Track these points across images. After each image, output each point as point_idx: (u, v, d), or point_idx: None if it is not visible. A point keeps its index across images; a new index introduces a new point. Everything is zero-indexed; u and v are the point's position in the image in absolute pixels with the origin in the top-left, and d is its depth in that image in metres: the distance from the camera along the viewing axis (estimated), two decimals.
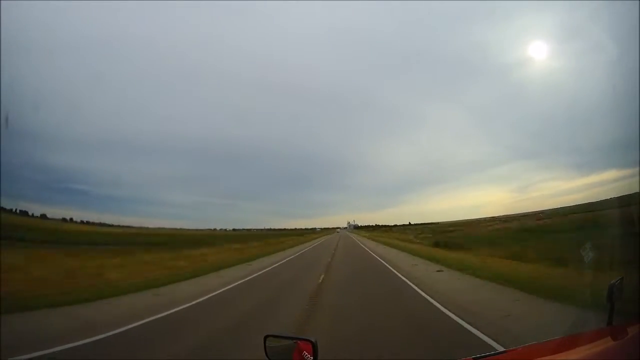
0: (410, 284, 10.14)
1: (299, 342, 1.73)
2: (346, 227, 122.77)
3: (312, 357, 1.61)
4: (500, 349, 4.28)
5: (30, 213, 36.26)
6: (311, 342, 1.64)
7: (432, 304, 7.45)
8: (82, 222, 41.93)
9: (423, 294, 8.52)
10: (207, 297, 9.19)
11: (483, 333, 5.14)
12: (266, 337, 1.83)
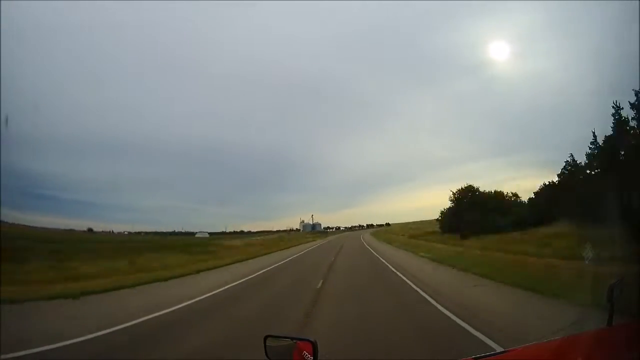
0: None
1: (298, 342, 1.73)
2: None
3: (312, 357, 1.61)
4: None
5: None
6: (311, 342, 1.63)
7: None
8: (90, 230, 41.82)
9: None
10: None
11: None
12: (266, 337, 1.82)
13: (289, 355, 1.71)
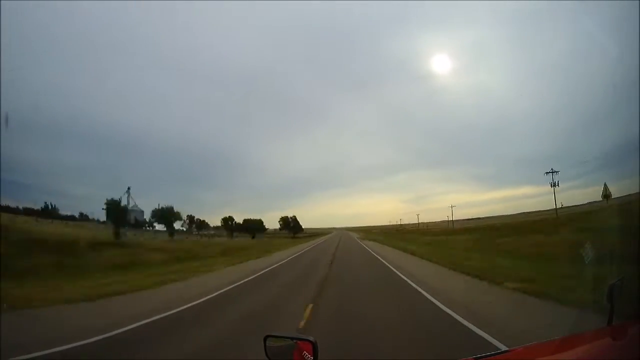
0: None
1: (298, 342, 1.73)
2: None
3: (312, 357, 1.61)
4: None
5: None
6: (311, 342, 1.63)
7: None
8: None
9: None
10: None
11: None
12: (266, 337, 1.82)
13: (289, 355, 1.71)
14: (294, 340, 1.76)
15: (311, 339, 1.65)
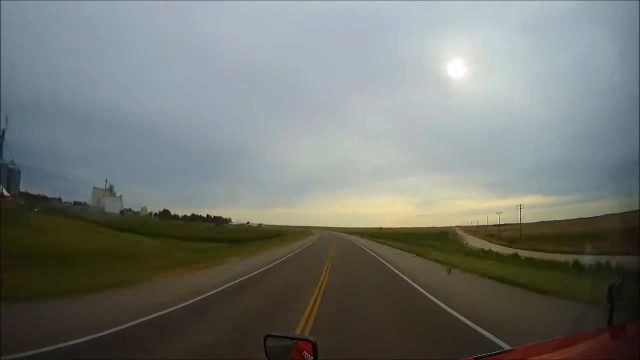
0: None
1: (298, 342, 1.73)
2: None
3: (312, 357, 1.61)
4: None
5: None
6: (311, 342, 1.64)
7: None
8: None
9: None
10: None
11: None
12: (266, 337, 1.83)
13: (289, 355, 1.71)
14: (294, 340, 1.77)
15: (311, 339, 1.66)
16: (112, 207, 57.35)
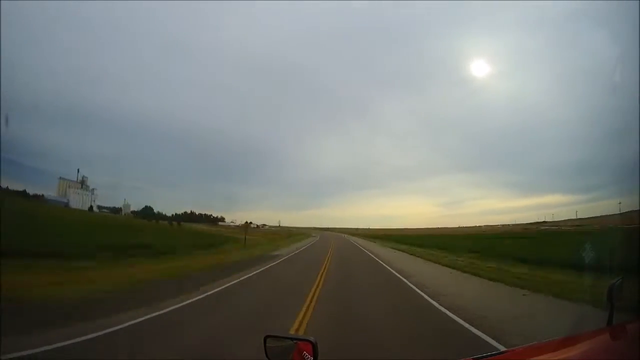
0: None
1: (298, 342, 1.73)
2: None
3: (312, 357, 1.62)
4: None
5: None
6: (311, 342, 1.64)
7: None
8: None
9: None
10: None
11: None
12: (266, 337, 1.83)
13: (289, 355, 1.71)
14: (294, 341, 1.77)
15: (311, 339, 1.66)
16: (78, 202, 52.55)
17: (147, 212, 61.01)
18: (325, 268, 16.13)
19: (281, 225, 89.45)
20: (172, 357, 4.87)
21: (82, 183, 56.05)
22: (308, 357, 1.63)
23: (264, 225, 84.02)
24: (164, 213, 62.99)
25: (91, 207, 54.89)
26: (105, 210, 57.37)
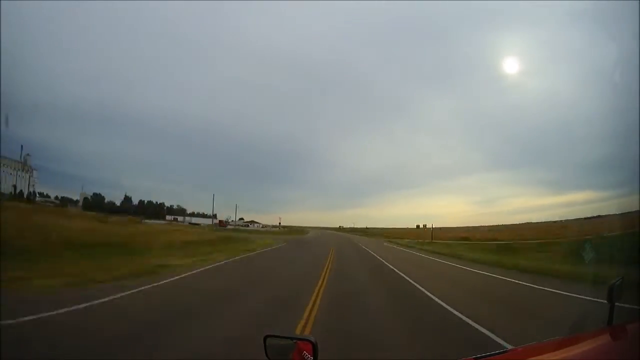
0: None
1: (298, 342, 1.73)
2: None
3: (312, 357, 1.61)
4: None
5: None
6: (311, 342, 1.63)
7: None
8: None
9: None
10: None
11: None
12: (266, 337, 1.82)
13: (289, 355, 1.71)
14: (294, 341, 1.76)
15: (311, 339, 1.65)
16: (9, 186, 38.27)
17: (98, 203, 49.70)
18: None
19: (296, 225, 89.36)
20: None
21: (24, 163, 41.32)
22: (308, 357, 1.62)
23: (265, 225, 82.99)
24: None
25: (30, 193, 41.65)
26: (44, 198, 44.74)
